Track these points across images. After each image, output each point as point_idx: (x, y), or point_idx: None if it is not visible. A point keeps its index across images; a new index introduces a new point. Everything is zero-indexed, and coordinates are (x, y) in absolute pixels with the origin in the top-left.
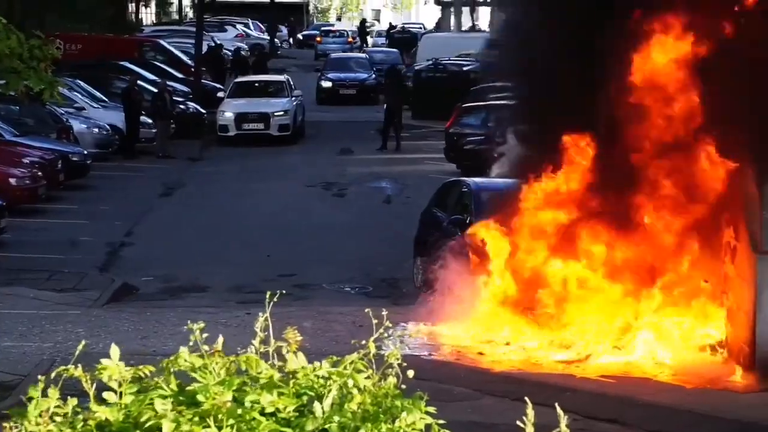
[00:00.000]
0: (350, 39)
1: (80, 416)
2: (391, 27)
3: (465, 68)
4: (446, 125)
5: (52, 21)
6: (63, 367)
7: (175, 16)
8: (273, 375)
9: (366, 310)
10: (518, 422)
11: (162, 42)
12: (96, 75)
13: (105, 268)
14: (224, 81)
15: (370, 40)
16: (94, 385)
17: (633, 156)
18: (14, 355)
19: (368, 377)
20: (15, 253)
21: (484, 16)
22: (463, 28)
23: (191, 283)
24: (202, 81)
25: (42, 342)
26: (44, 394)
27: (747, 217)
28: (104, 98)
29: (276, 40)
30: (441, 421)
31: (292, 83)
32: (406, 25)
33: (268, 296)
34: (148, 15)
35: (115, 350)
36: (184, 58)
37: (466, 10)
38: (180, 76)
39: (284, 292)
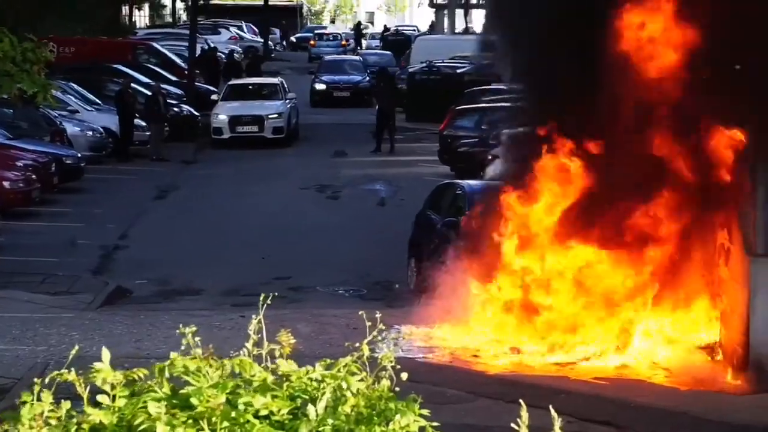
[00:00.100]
0: (344, 42)
1: (74, 420)
2: (386, 29)
3: (459, 71)
4: (440, 127)
5: (53, 21)
6: (57, 372)
7: (169, 19)
8: (266, 378)
9: (360, 313)
10: (512, 425)
11: (155, 45)
12: (89, 78)
13: (99, 271)
14: (218, 84)
15: (364, 42)
16: (88, 388)
17: (630, 157)
18: (7, 358)
19: (362, 380)
20: (9, 256)
21: (478, 18)
22: (457, 31)
23: (185, 286)
24: (196, 84)
25: (36, 345)
26: (38, 398)
27: (740, 219)
28: (98, 101)
29: (270, 42)
30: (435, 424)
31: (286, 86)
32: (399, 28)
33: (261, 299)
34: (141, 18)
35: (106, 354)
36: (178, 60)
37: (459, 12)
38: (174, 78)
39: (277, 294)
